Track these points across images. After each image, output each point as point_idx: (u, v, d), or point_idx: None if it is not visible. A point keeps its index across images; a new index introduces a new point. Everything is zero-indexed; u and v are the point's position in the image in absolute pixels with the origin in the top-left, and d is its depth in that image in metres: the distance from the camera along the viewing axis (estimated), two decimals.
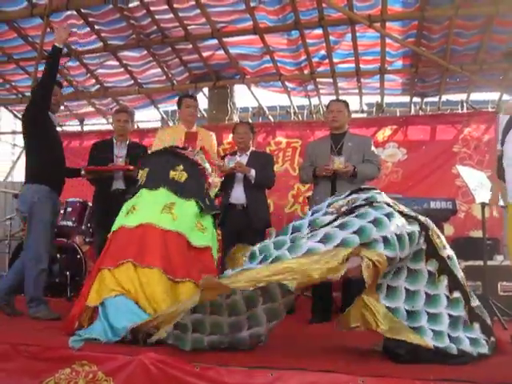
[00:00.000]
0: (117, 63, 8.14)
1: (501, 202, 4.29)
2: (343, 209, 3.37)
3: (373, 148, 5.25)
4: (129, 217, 4.04)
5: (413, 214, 3.29)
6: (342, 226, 3.16)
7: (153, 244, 3.85)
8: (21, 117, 4.98)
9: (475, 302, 3.30)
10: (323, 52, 7.50)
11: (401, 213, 3.24)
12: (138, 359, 3.07)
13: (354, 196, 3.46)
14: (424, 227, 3.20)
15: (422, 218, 3.28)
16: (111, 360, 3.15)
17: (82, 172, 5.44)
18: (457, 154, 7.18)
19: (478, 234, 6.49)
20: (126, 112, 6.00)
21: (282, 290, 3.29)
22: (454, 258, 3.29)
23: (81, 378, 3.17)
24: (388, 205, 3.29)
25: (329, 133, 5.39)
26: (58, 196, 4.91)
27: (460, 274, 3.27)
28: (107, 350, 3.27)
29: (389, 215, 3.14)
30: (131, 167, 5.45)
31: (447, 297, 3.16)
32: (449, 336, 3.07)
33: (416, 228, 3.16)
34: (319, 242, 3.12)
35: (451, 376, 2.65)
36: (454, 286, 3.19)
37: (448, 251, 3.27)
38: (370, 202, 3.30)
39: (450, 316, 3.13)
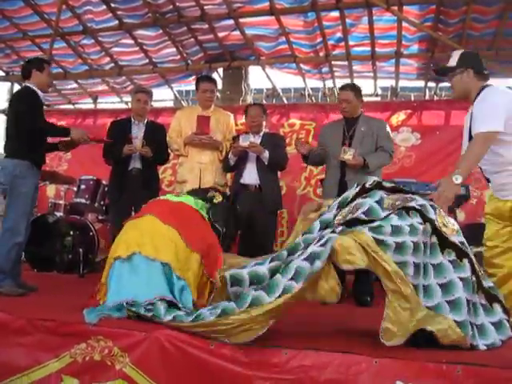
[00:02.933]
0: (132, 42, 8.13)
1: None
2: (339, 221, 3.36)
3: (387, 131, 5.20)
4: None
5: (417, 206, 3.23)
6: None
7: (175, 212, 4.09)
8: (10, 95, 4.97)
9: (488, 283, 3.27)
10: (339, 35, 7.47)
11: (404, 208, 3.20)
12: (154, 336, 3.12)
13: (359, 201, 3.39)
14: (427, 219, 3.16)
15: (424, 209, 3.20)
16: (127, 336, 3.20)
17: (59, 146, 5.36)
18: None
19: None
20: (147, 93, 5.94)
21: None
22: (465, 243, 3.25)
23: (96, 353, 3.22)
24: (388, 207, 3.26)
25: (342, 116, 5.37)
26: (38, 172, 4.87)
27: (473, 257, 3.24)
28: (123, 325, 3.31)
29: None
30: (109, 140, 5.57)
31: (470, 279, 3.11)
32: (475, 326, 3.03)
33: (416, 220, 3.14)
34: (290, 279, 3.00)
35: (464, 359, 2.67)
36: (473, 269, 3.17)
37: (459, 238, 3.22)
38: (366, 221, 3.21)
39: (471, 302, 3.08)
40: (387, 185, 3.48)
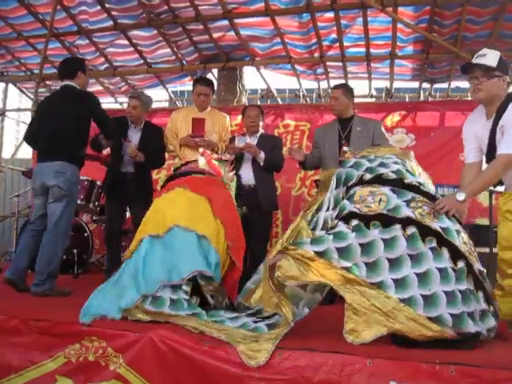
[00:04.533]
0: (126, 42, 8.10)
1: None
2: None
3: (382, 131, 5.24)
4: None
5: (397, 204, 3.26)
6: None
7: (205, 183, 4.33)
8: (87, 101, 4.93)
9: (479, 266, 3.23)
10: (334, 35, 7.46)
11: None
12: (148, 336, 3.12)
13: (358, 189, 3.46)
14: (405, 219, 3.19)
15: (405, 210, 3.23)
16: (121, 336, 3.21)
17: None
18: None
19: (482, 221, 6.50)
20: (136, 98, 5.85)
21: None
22: (451, 228, 3.21)
23: (90, 354, 3.23)
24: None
25: (336, 117, 5.39)
26: None
27: (459, 242, 3.19)
28: (117, 326, 3.33)
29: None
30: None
31: (453, 269, 3.08)
32: (468, 314, 3.02)
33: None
34: None
35: (458, 360, 2.68)
36: (456, 255, 3.13)
37: (441, 223, 3.20)
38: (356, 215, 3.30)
39: (460, 291, 3.05)
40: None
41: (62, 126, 4.73)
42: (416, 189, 3.39)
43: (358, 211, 3.28)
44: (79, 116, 4.78)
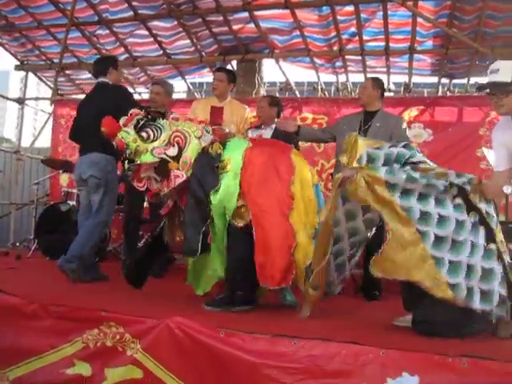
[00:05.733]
0: (146, 33, 8.14)
1: None
2: None
3: (403, 128, 5.18)
4: None
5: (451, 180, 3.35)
6: None
7: None
8: (118, 93, 5.08)
9: (507, 257, 3.33)
10: (353, 29, 7.45)
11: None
12: (165, 323, 3.17)
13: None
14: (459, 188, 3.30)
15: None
16: (138, 323, 3.27)
17: None
18: (482, 137, 7.13)
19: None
20: (159, 84, 5.98)
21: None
22: (494, 215, 3.34)
23: (108, 339, 3.29)
24: None
25: (362, 109, 5.40)
26: None
27: (496, 228, 3.32)
28: (135, 312, 3.38)
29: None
30: None
31: (484, 248, 3.22)
32: (480, 290, 3.15)
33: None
34: None
35: (470, 352, 2.70)
36: (490, 238, 3.25)
37: (486, 207, 3.32)
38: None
39: (483, 269, 3.18)
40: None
41: (93, 119, 4.78)
42: None
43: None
44: (108, 108, 4.80)
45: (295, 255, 3.71)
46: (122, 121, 3.99)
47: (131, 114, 4.01)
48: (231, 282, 3.93)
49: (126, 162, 4.03)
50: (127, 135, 3.91)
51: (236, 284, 3.88)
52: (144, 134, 3.93)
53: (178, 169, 3.86)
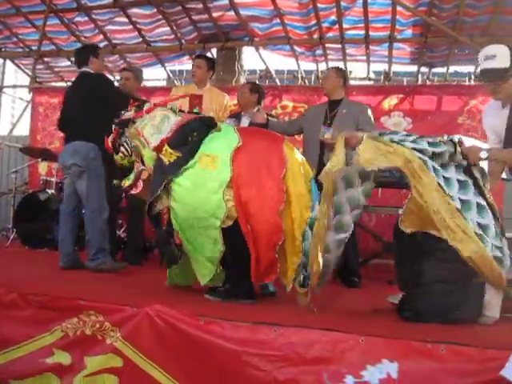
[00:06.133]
0: (126, 20, 8.08)
1: (503, 175, 4.29)
2: None
3: (369, 115, 5.22)
4: None
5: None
6: None
7: None
8: (96, 81, 5.10)
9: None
10: (333, 17, 7.46)
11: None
12: (144, 311, 3.16)
13: None
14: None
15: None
16: (118, 311, 3.25)
17: None
18: (461, 126, 7.19)
19: None
20: (128, 70, 6.14)
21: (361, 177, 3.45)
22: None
23: (88, 328, 3.27)
24: None
25: (327, 99, 5.46)
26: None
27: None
28: (114, 300, 3.37)
29: None
30: None
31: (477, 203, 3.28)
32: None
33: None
34: None
35: (448, 338, 2.73)
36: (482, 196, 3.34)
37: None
38: None
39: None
40: None
41: (73, 109, 5.06)
42: None
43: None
44: (87, 95, 4.99)
45: (281, 252, 3.64)
46: (110, 138, 4.13)
47: (114, 129, 4.12)
48: (233, 277, 3.80)
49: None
50: (117, 156, 4.11)
51: (238, 278, 3.76)
52: (121, 154, 4.08)
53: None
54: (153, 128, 3.88)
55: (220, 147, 3.77)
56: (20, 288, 3.60)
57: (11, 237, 6.84)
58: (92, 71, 5.15)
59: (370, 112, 5.29)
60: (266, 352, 2.86)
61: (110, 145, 4.10)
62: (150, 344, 3.11)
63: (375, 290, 4.72)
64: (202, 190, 3.62)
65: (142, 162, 3.99)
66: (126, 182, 4.06)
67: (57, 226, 6.36)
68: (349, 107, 5.21)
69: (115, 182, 4.26)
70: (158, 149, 3.79)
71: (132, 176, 4.04)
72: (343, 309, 3.65)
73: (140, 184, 4.08)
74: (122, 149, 4.05)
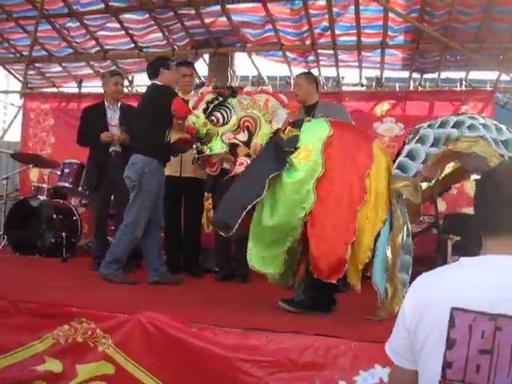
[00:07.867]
0: (118, 25, 8.05)
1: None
2: None
3: (345, 113, 5.24)
4: None
5: None
6: None
7: None
8: (160, 98, 4.87)
9: None
10: (325, 23, 7.47)
11: None
12: (136, 318, 3.16)
13: None
14: None
15: None
16: (109, 318, 3.25)
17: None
18: None
19: (469, 210, 6.56)
20: (119, 74, 6.08)
21: None
22: None
23: (79, 335, 3.26)
24: None
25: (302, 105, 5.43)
26: (163, 170, 5.05)
27: None
28: (106, 307, 3.35)
29: None
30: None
31: None
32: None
33: None
34: None
35: None
36: None
37: None
38: None
39: None
40: None
41: (134, 123, 5.11)
42: None
43: None
44: (147, 110, 4.94)
45: (351, 251, 3.44)
46: (192, 103, 3.93)
47: (201, 94, 3.92)
48: (312, 288, 3.67)
49: (195, 153, 3.88)
50: (197, 119, 3.83)
51: (318, 290, 3.63)
52: (213, 118, 3.82)
53: (247, 154, 3.74)
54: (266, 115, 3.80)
55: (311, 137, 3.68)
56: (11, 295, 3.59)
57: (2, 243, 6.81)
58: (160, 83, 5.00)
59: (346, 110, 5.36)
60: (258, 358, 2.87)
61: (190, 107, 3.91)
62: (141, 351, 3.11)
63: (366, 294, 4.71)
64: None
65: (233, 155, 3.81)
66: (208, 150, 3.79)
67: (49, 232, 6.44)
68: (325, 109, 5.16)
69: (196, 145, 3.93)
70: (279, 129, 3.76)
71: (217, 149, 3.78)
72: (335, 314, 3.63)
73: (219, 167, 3.93)
74: (217, 114, 3.82)
